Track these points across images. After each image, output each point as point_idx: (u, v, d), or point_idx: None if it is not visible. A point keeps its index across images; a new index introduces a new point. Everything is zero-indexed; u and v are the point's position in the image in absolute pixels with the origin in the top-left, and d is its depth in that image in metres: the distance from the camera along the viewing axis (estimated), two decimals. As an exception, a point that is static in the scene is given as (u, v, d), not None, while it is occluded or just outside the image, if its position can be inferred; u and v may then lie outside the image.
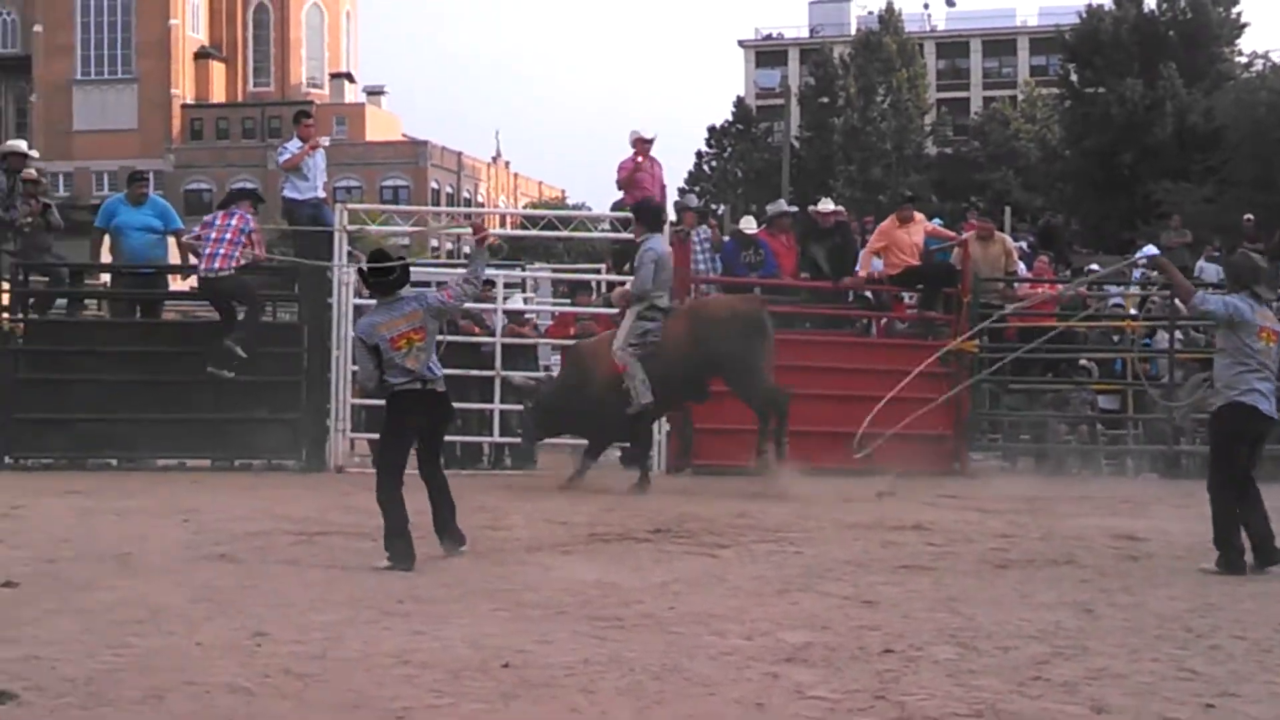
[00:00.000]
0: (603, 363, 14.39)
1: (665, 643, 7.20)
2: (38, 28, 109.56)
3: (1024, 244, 22.10)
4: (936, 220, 21.73)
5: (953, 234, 19.24)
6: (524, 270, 23.71)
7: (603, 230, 18.62)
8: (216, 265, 15.66)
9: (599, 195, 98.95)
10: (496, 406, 16.56)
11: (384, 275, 9.70)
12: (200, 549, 10.09)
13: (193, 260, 16.35)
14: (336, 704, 6.07)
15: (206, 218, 16.39)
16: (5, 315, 16.50)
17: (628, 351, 14.09)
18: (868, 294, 18.43)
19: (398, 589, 8.59)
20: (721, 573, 9.40)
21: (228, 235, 15.74)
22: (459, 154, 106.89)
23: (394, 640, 7.21)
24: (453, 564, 9.62)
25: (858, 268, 18.12)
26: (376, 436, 16.79)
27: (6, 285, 16.57)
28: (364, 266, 10.32)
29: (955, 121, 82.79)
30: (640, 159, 17.77)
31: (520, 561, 9.84)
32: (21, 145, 17.67)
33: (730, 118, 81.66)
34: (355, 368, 11.38)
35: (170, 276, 17.57)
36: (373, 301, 10.36)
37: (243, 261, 15.79)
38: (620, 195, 18.03)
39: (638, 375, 14.00)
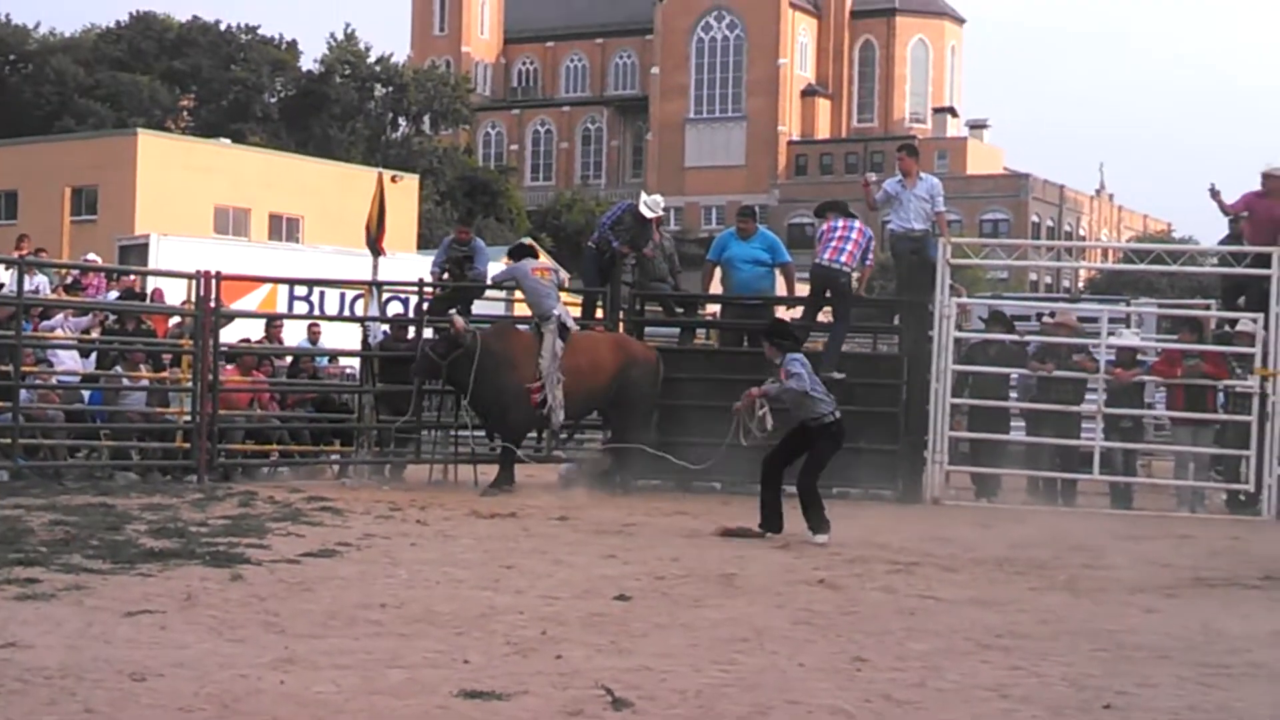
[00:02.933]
0: None
1: (1277, 694, 6.87)
2: (655, 70, 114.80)
3: None
4: None
5: None
6: (1128, 305, 23.12)
7: (1211, 265, 17.93)
8: (842, 260, 16.01)
9: (1208, 229, 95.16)
10: (1098, 444, 16.22)
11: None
12: (800, 573, 10.32)
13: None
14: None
15: (827, 225, 16.54)
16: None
17: None
18: None
19: (995, 623, 8.53)
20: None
21: (853, 236, 16.08)
22: (1061, 187, 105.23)
23: (992, 674, 7.17)
24: (1051, 602, 9.48)
25: None
26: (974, 470, 17.01)
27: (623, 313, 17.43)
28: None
29: None
30: (1265, 195, 16.88)
31: (1122, 603, 9.59)
32: (649, 209, 18.06)
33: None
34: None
35: (776, 308, 18.00)
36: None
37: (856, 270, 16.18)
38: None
39: None
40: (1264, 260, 16.07)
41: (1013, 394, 17.27)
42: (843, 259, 16.09)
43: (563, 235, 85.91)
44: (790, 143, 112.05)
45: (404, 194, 54.14)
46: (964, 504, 16.14)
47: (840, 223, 16.36)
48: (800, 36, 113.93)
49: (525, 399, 15.37)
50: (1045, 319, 18.96)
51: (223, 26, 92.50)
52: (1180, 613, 9.21)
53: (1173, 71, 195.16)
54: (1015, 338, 17.38)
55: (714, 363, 17.69)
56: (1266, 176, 16.90)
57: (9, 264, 18.16)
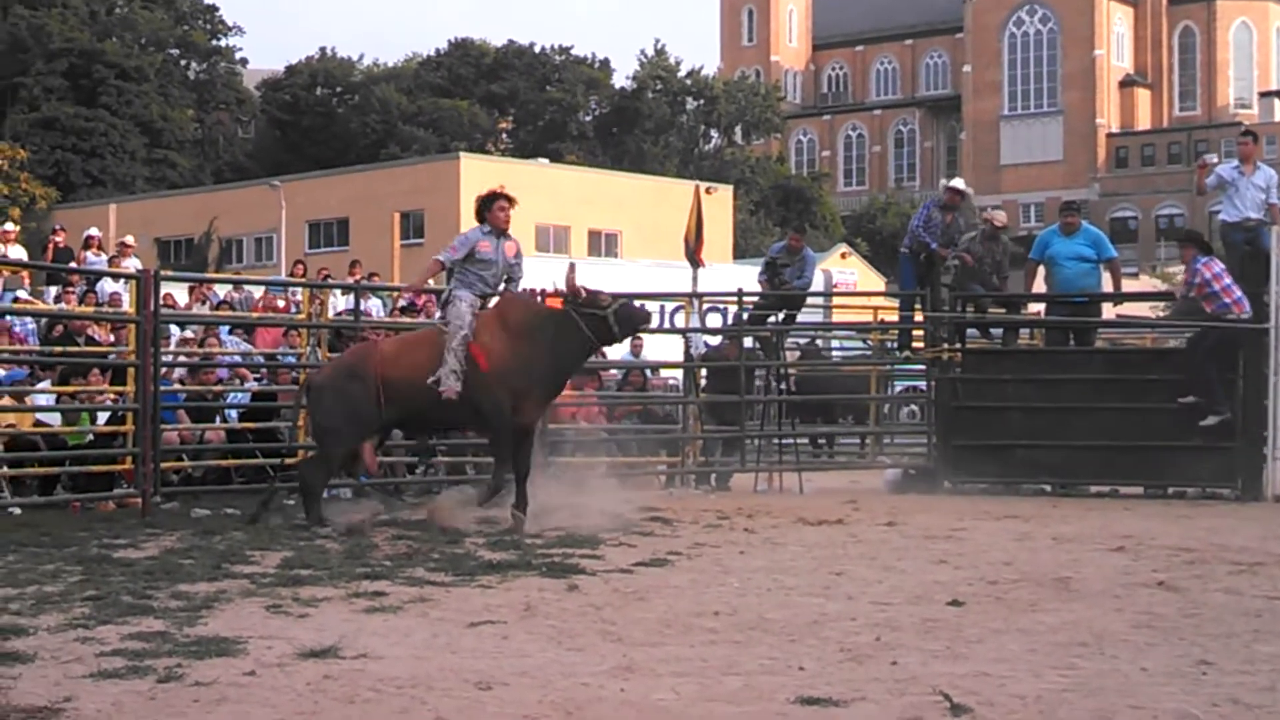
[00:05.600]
0: None
1: None
2: (967, 68, 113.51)
3: None
4: None
5: None
6: None
7: None
8: (1247, 308, 15.60)
9: None
10: None
11: None
12: (1138, 575, 10.07)
13: (1209, 306, 16.06)
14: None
15: (1202, 264, 15.99)
16: (945, 344, 17.17)
17: None
18: None
19: (1348, 624, 8.21)
20: None
21: (1228, 280, 15.62)
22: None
23: (1347, 677, 6.91)
24: None
25: None
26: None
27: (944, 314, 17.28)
28: None
29: None
30: None
31: None
32: (959, 183, 18.30)
33: None
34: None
35: (1102, 305, 17.66)
36: None
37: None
38: None
39: None
40: None
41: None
42: (1247, 309, 15.61)
43: (878, 239, 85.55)
44: (1109, 135, 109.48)
45: (719, 205, 54.67)
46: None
47: (1220, 267, 15.88)
48: (1116, 26, 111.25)
49: None
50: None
51: (537, 49, 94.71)
52: None
53: None
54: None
55: (1039, 363, 17.40)
56: None
57: (345, 289, 18.90)
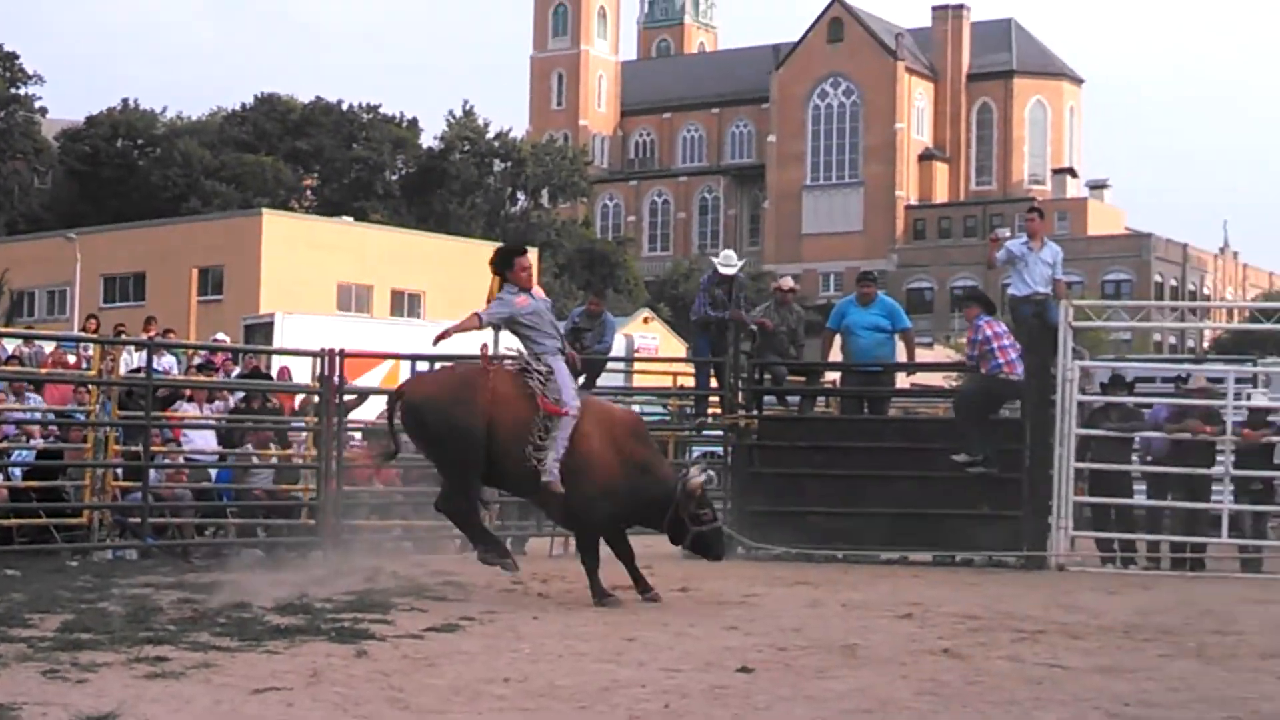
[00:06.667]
0: None
1: None
2: (771, 138, 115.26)
3: None
4: None
5: None
6: (1255, 365, 22.79)
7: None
8: (1019, 370, 15.95)
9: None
10: (1227, 507, 15.97)
11: None
12: (924, 643, 10.22)
13: (985, 366, 16.36)
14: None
15: (984, 322, 16.33)
16: (741, 412, 17.32)
17: None
18: None
19: (1123, 691, 8.40)
20: None
21: (1007, 342, 15.99)
22: (1184, 246, 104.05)
23: (1120, 744, 7.07)
24: (1180, 669, 9.32)
25: None
26: (1100, 535, 16.80)
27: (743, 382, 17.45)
28: None
29: None
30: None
31: (1254, 669, 9.41)
32: (729, 261, 18.19)
33: None
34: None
35: (897, 374, 17.98)
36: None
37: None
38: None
39: None
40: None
41: (1133, 458, 17.03)
42: (1019, 370, 16.00)
43: (681, 305, 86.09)
44: (908, 207, 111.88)
45: (524, 267, 54.54)
46: (1089, 570, 15.93)
47: (1001, 327, 16.28)
48: (917, 101, 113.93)
49: None
50: (1179, 383, 18.69)
51: (345, 106, 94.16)
52: (1315, 679, 9.02)
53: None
54: (1138, 399, 17.23)
55: (833, 431, 17.64)
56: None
57: (139, 345, 18.55)
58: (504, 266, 12.28)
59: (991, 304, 16.75)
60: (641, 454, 12.23)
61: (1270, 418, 17.31)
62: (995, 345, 15.98)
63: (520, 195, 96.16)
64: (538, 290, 12.44)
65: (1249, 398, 17.86)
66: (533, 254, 54.92)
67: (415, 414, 12.27)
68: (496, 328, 12.59)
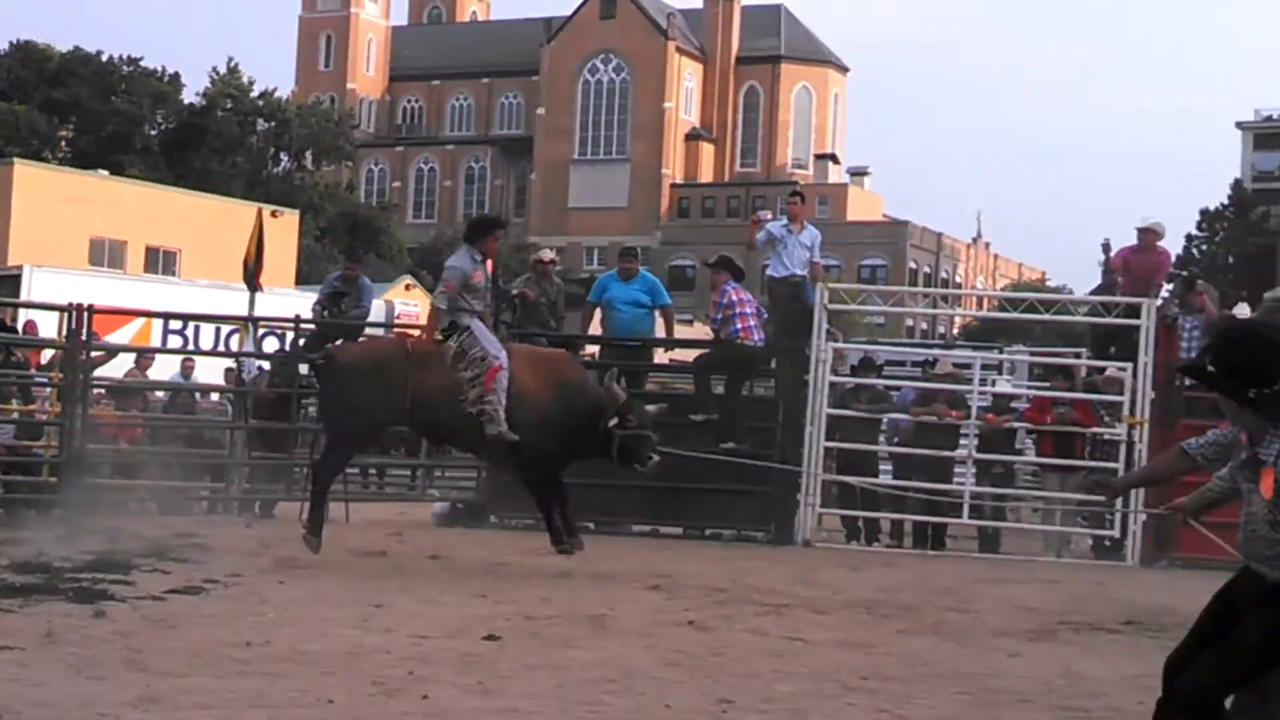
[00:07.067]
0: None
1: (1134, 738, 6.99)
2: (540, 110, 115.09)
3: None
4: None
5: None
6: (1001, 352, 23.48)
7: (1084, 313, 18.27)
8: (757, 338, 16.12)
9: (1080, 278, 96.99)
10: (969, 489, 16.41)
11: None
12: (670, 614, 10.33)
13: (724, 331, 16.49)
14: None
15: (731, 288, 16.47)
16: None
17: None
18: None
19: (861, 666, 8.60)
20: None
21: (749, 310, 16.18)
22: (939, 234, 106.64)
23: (857, 716, 7.23)
24: (917, 645, 9.57)
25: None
26: (846, 513, 17.17)
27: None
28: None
29: None
30: (1140, 250, 17.26)
31: (986, 646, 9.70)
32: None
33: (1225, 201, 78.98)
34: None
35: (654, 349, 18.10)
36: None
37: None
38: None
39: None
40: (1135, 311, 16.40)
41: (880, 439, 17.42)
42: (756, 337, 16.19)
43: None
44: (673, 185, 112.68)
45: (284, 229, 53.76)
46: (835, 546, 16.26)
47: (746, 295, 16.48)
48: (686, 81, 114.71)
49: None
50: (928, 368, 19.15)
51: (105, 57, 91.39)
52: (1043, 657, 9.33)
53: (1050, 122, 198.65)
54: (888, 382, 17.63)
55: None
56: (1141, 231, 17.31)
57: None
58: (478, 234, 12.85)
59: (740, 271, 16.95)
60: (569, 378, 12.81)
61: (1013, 404, 17.87)
62: (737, 312, 16.19)
63: (283, 156, 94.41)
64: (489, 264, 12.97)
65: (994, 384, 18.40)
66: (293, 216, 53.59)
67: (334, 379, 12.75)
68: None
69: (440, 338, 12.50)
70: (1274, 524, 5.36)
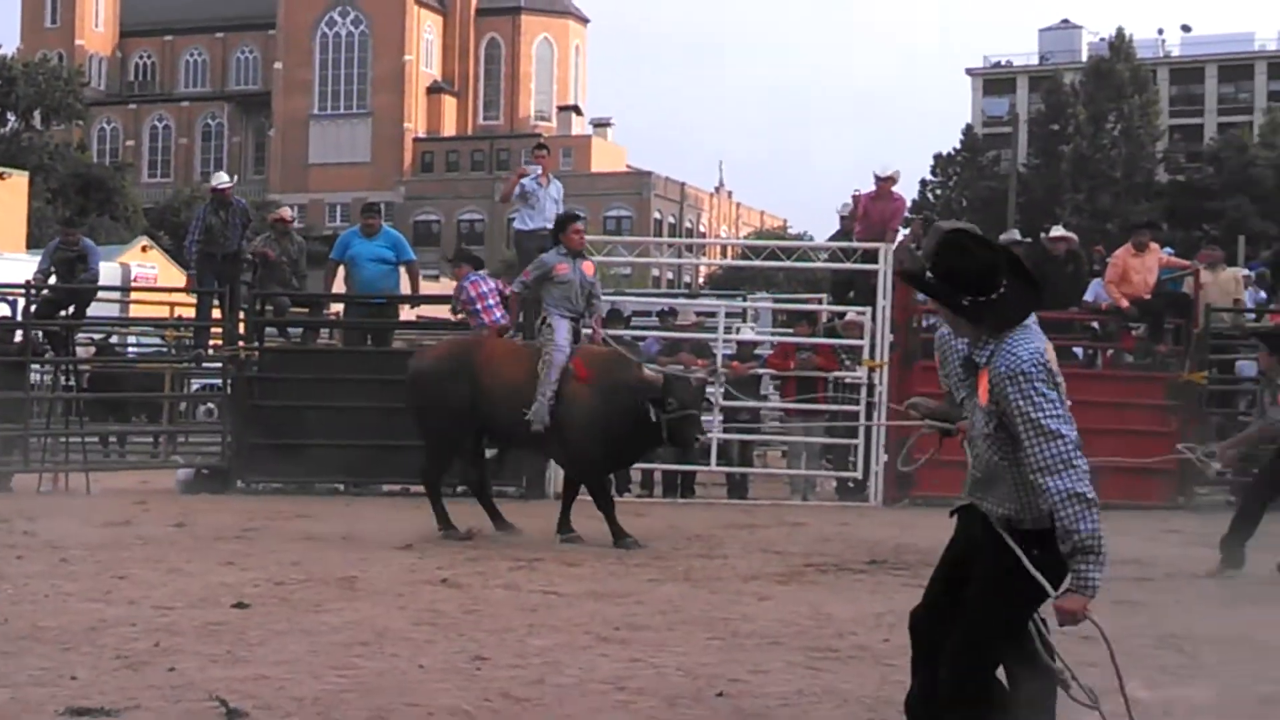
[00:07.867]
0: None
1: (880, 675, 7.16)
2: (278, 65, 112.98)
3: (1252, 271, 21.64)
4: (1168, 250, 21.23)
5: (1186, 263, 18.86)
6: (745, 300, 23.80)
7: (824, 260, 18.62)
8: (497, 315, 16.03)
9: (820, 225, 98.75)
10: (716, 436, 16.61)
11: None
12: (423, 573, 10.29)
13: (472, 322, 16.35)
14: (552, 729, 6.15)
15: (470, 282, 16.38)
16: (240, 343, 16.99)
17: None
18: (1094, 325, 18.15)
19: (614, 616, 8.67)
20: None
21: (492, 301, 16.10)
22: (682, 184, 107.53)
23: (610, 667, 7.28)
24: (668, 593, 9.69)
25: (1087, 296, 17.85)
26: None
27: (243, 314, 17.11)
28: None
29: (1188, 148, 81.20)
30: (877, 196, 17.60)
31: (736, 591, 9.86)
32: (222, 179, 18.17)
33: (957, 146, 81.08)
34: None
35: (400, 306, 17.96)
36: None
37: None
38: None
39: None
40: (872, 256, 16.75)
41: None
42: (497, 315, 16.12)
43: (182, 234, 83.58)
44: (416, 140, 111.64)
45: (12, 192, 52.07)
46: (582, 499, 16.32)
47: (488, 284, 16.41)
48: (426, 33, 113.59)
49: None
50: (669, 317, 19.29)
51: None
52: (791, 599, 9.52)
53: (788, 74, 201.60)
54: (636, 333, 17.76)
55: (335, 363, 17.50)
56: (878, 179, 17.65)
57: None
58: (559, 230, 13.29)
59: (479, 261, 16.98)
60: (616, 376, 12.47)
61: (757, 350, 18.14)
62: (480, 306, 16.16)
63: (10, 116, 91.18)
64: (587, 265, 13.13)
65: (738, 331, 18.64)
66: (22, 178, 51.73)
67: (413, 385, 13.05)
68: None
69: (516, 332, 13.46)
70: (991, 440, 5.15)
